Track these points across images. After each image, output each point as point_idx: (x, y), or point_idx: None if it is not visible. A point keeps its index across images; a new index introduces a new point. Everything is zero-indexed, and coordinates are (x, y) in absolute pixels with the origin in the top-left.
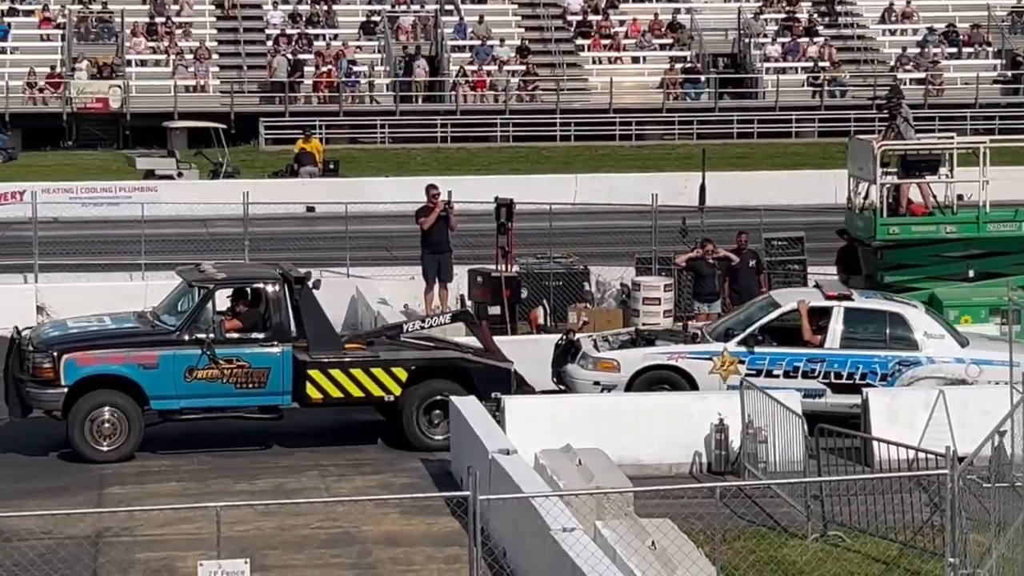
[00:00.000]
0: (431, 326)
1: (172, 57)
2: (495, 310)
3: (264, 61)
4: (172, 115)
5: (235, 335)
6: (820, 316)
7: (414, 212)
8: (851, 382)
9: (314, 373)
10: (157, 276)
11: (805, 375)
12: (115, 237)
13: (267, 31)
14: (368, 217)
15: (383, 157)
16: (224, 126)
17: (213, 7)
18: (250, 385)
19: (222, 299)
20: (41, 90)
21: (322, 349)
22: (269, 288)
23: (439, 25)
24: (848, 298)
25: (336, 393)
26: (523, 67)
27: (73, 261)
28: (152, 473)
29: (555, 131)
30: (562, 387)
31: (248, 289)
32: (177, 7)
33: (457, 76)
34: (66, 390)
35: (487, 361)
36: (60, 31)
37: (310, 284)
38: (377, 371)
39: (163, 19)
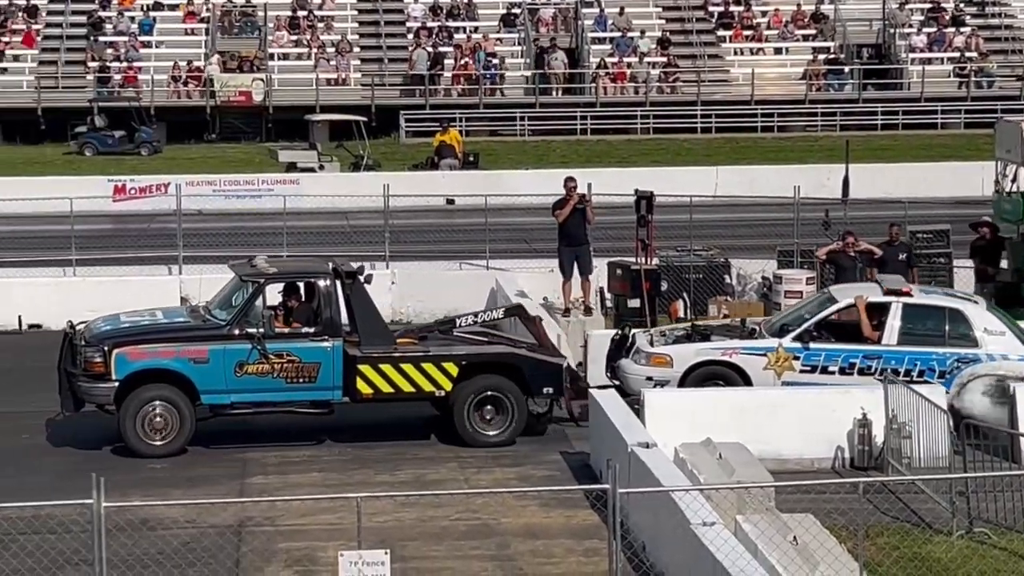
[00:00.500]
0: (484, 321)
1: (314, 51)
2: (634, 303)
3: (405, 54)
4: (314, 108)
5: (285, 330)
6: (879, 312)
7: (551, 205)
8: (908, 379)
9: (364, 368)
10: None
11: (861, 372)
12: (257, 229)
13: (408, 24)
14: (507, 209)
15: (522, 150)
16: (365, 119)
17: (355, 0)
18: (300, 380)
19: (274, 294)
20: (185, 84)
21: (373, 344)
22: (320, 283)
23: (579, 17)
24: (907, 294)
25: (386, 388)
26: (664, 59)
27: (216, 253)
28: (293, 463)
29: (696, 123)
30: (615, 382)
31: (299, 284)
32: (319, 1)
33: (597, 68)
34: (117, 384)
35: (539, 356)
36: (204, 25)
37: (361, 279)
38: (428, 366)
39: (305, 13)
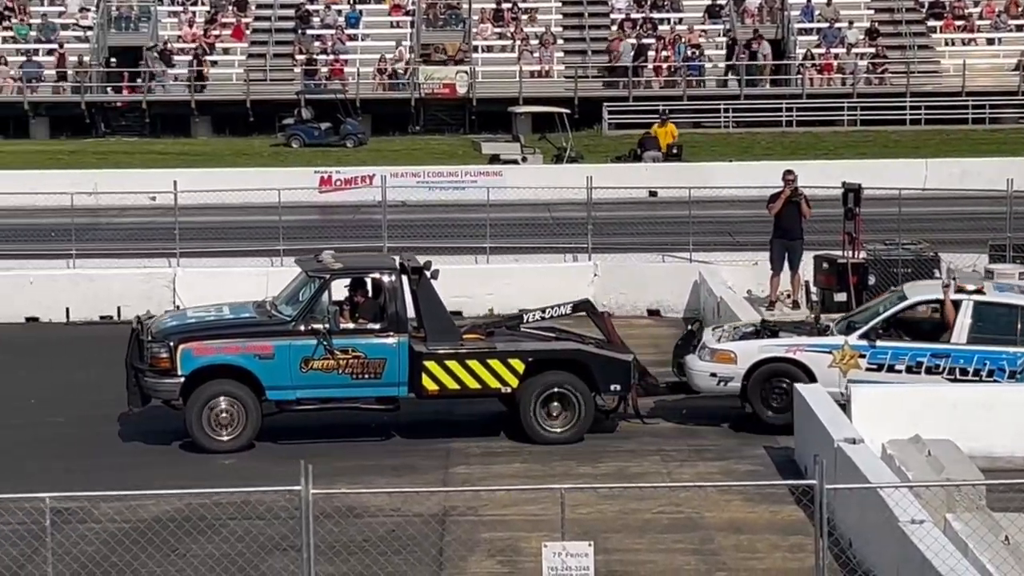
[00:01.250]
0: (551, 316)
1: (518, 43)
2: (841, 297)
3: (608, 45)
4: (517, 100)
5: (351, 325)
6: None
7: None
8: (977, 379)
9: (430, 364)
10: (502, 259)
11: (929, 371)
12: (460, 221)
13: (612, 16)
14: (711, 202)
15: (727, 142)
16: (568, 111)
17: None
18: (366, 376)
19: (340, 289)
20: (391, 76)
21: (440, 340)
22: (385, 278)
23: (785, 8)
24: (979, 291)
25: (452, 385)
26: (872, 50)
27: (420, 244)
28: (496, 454)
29: (905, 115)
30: (682, 378)
31: (365, 279)
32: None
33: (804, 59)
34: (182, 380)
35: (606, 353)
36: (409, 18)
37: (428, 274)
38: (494, 362)
39: (509, 5)
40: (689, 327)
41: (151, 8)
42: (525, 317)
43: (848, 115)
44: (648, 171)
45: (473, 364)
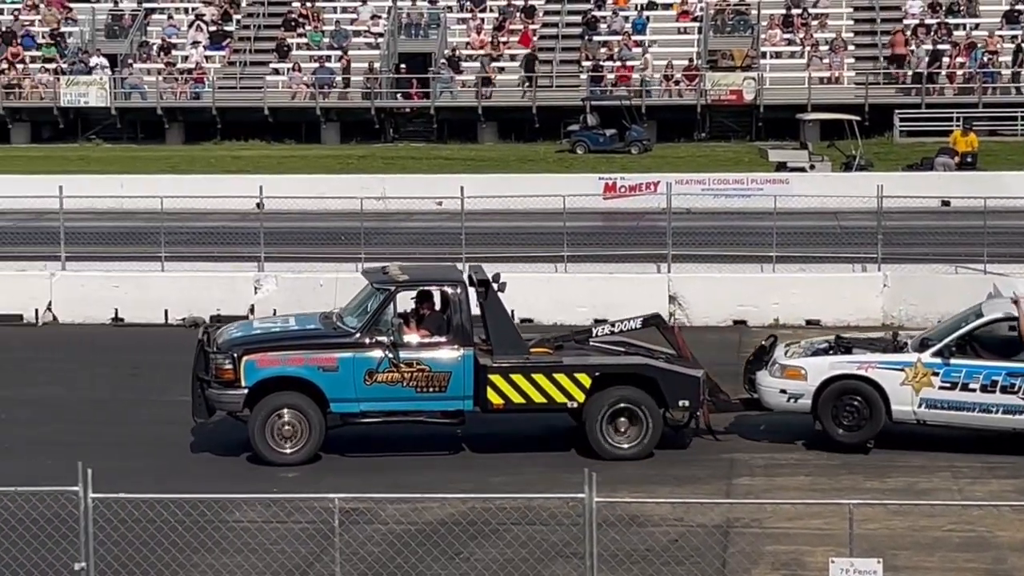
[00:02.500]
0: (621, 330)
1: (807, 49)
2: None
3: (901, 51)
4: (805, 107)
5: (416, 338)
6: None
7: None
8: None
9: (495, 378)
10: (788, 269)
11: (1004, 390)
12: (746, 229)
13: (905, 21)
14: (1007, 212)
15: None
16: (858, 118)
17: None
18: (431, 389)
19: (406, 302)
20: (677, 83)
21: (506, 353)
22: (451, 291)
23: None
24: None
25: (518, 399)
26: None
27: (705, 252)
28: (780, 466)
29: None
30: (754, 394)
31: (431, 291)
32: None
33: None
34: (246, 391)
35: (674, 368)
36: (697, 24)
37: (495, 286)
38: (560, 377)
39: (799, 11)
40: (762, 342)
41: (440, 15)
42: (594, 331)
43: None
44: (941, 180)
45: (539, 378)
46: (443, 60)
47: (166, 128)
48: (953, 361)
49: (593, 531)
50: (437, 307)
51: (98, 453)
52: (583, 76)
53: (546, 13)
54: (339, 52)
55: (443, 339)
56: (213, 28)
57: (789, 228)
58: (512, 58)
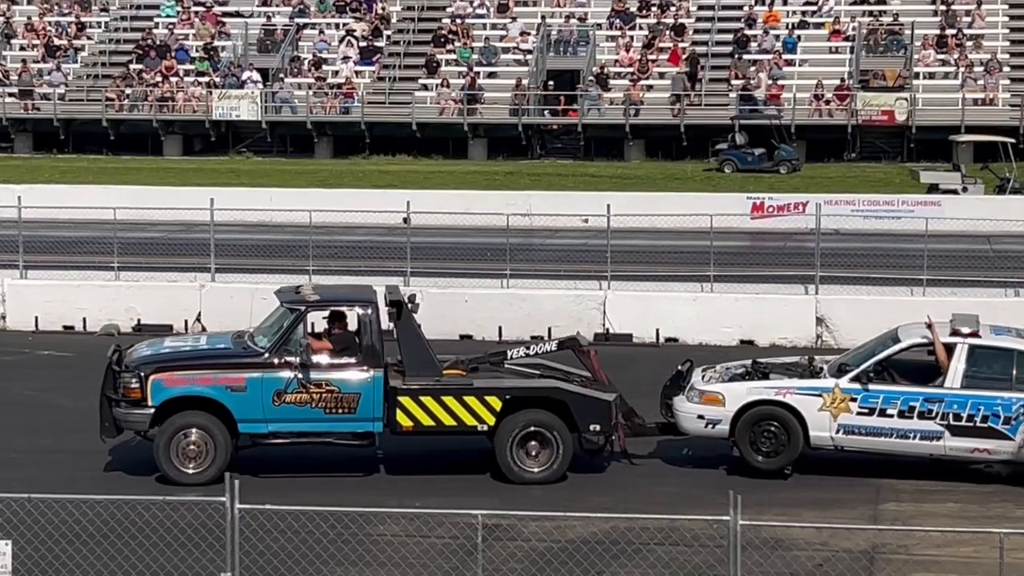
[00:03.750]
0: (536, 353)
1: (961, 70)
2: None
3: None
4: (959, 128)
5: (326, 359)
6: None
7: None
8: (971, 424)
9: (404, 400)
10: (939, 292)
11: (921, 415)
12: (896, 251)
13: None
14: None
15: None
16: (1012, 140)
17: (1007, 19)
18: (340, 411)
19: (321, 322)
20: (828, 102)
21: (418, 375)
22: (361, 312)
23: None
24: (975, 335)
25: (427, 421)
26: None
27: (853, 274)
28: (929, 492)
29: None
30: (671, 419)
31: (342, 312)
32: (969, 19)
33: None
34: (153, 411)
35: (586, 392)
36: (849, 43)
37: (409, 307)
38: (470, 400)
39: (954, 31)
40: (679, 367)
41: (590, 32)
42: (509, 353)
43: None
44: None
45: (449, 401)
46: (591, 77)
47: (315, 142)
48: (871, 387)
49: (737, 554)
50: (347, 328)
51: (239, 465)
52: (732, 95)
53: (696, 31)
54: (488, 68)
55: (353, 360)
56: (363, 43)
57: (940, 251)
58: (661, 76)
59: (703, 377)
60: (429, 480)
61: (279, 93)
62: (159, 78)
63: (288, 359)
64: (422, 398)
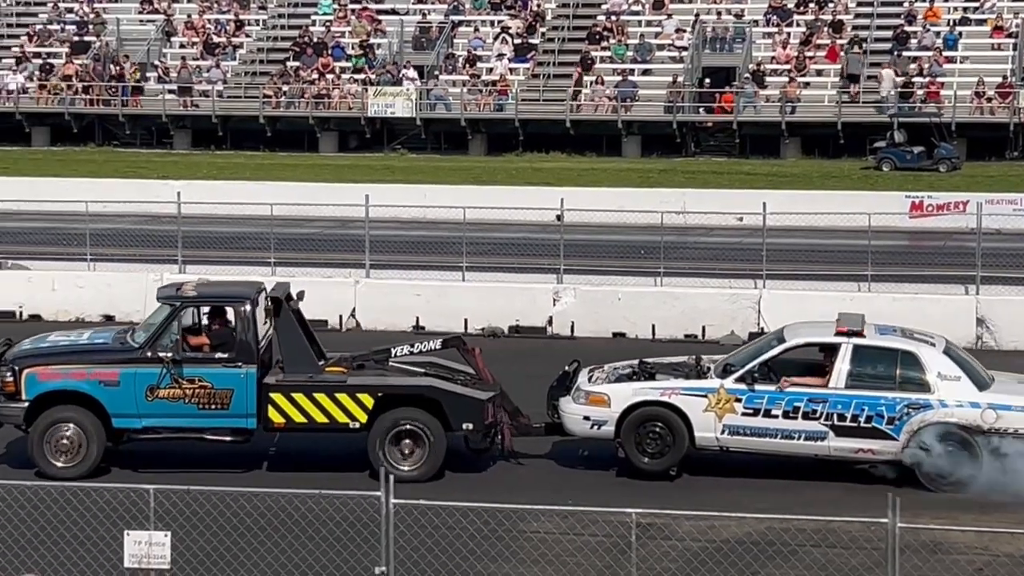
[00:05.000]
0: (420, 351)
1: None
2: None
3: None
4: None
5: (199, 355)
6: (829, 353)
7: None
8: (855, 425)
9: (276, 396)
10: None
11: (806, 416)
12: None
13: None
14: None
15: None
16: None
17: None
18: (213, 406)
19: (197, 318)
20: (989, 100)
21: (297, 371)
22: (237, 307)
23: None
24: (859, 334)
25: (299, 418)
26: None
27: (1016, 275)
28: None
29: None
30: (557, 419)
31: (218, 308)
32: None
33: None
34: (27, 404)
35: (458, 390)
36: (1012, 40)
37: (288, 305)
38: (342, 396)
39: None
40: (566, 367)
41: (746, 29)
42: (393, 351)
43: None
44: None
45: (320, 397)
46: (747, 74)
47: (469, 139)
48: (757, 387)
49: (896, 557)
50: (225, 324)
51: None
52: (891, 92)
53: (855, 28)
54: (643, 66)
55: (226, 356)
56: (518, 41)
57: None
58: (819, 73)
59: (590, 378)
60: (580, 477)
61: (434, 90)
62: (315, 75)
63: (161, 354)
64: (294, 395)
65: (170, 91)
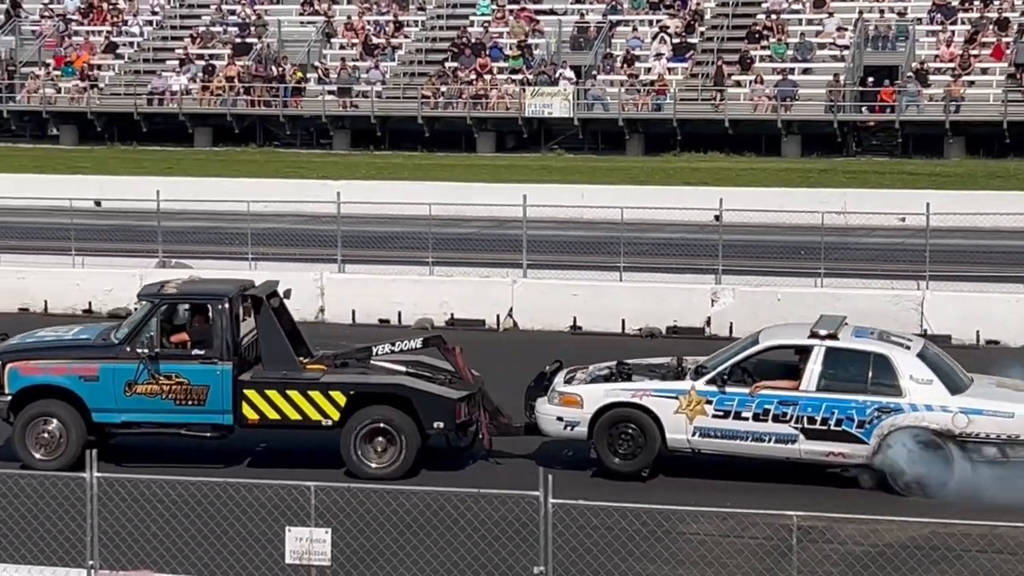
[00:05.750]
0: (401, 349)
1: None
2: None
3: None
4: None
5: (177, 351)
6: (802, 355)
7: None
8: (826, 428)
9: (250, 393)
10: None
11: (776, 418)
12: None
13: None
14: None
15: None
16: None
17: None
18: (189, 402)
19: (179, 316)
20: None
21: (275, 369)
22: (212, 305)
23: None
24: (833, 336)
25: (273, 415)
26: None
27: None
28: None
29: None
30: (534, 420)
31: (198, 306)
32: None
33: None
34: (10, 398)
35: (429, 389)
36: None
37: (270, 304)
38: (315, 394)
39: None
40: (545, 368)
41: (909, 27)
42: (374, 349)
43: None
44: None
45: (294, 395)
46: (910, 73)
47: (626, 139)
48: (728, 389)
49: None
50: (205, 321)
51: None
52: None
53: (1021, 26)
54: (804, 64)
55: (203, 353)
56: (677, 40)
57: None
58: (984, 72)
59: (565, 378)
60: (735, 480)
61: (591, 90)
62: (473, 76)
63: (140, 350)
64: (267, 392)
65: (330, 92)
